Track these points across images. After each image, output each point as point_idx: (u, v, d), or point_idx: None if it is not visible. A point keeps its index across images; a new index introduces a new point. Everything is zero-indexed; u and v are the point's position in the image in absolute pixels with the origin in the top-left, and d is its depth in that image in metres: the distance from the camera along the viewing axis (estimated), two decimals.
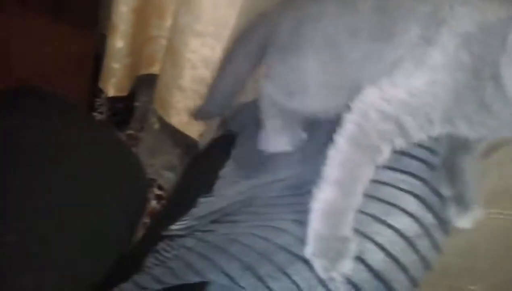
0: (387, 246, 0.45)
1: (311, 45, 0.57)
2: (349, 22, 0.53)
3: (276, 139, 0.66)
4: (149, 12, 1.10)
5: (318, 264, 0.44)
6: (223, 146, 0.83)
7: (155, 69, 1.23)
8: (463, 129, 0.48)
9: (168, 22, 1.13)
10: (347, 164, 0.47)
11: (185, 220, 0.65)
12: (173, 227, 0.65)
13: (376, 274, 0.44)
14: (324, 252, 0.44)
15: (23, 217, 0.59)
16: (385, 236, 0.45)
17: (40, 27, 1.16)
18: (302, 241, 0.46)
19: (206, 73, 1.09)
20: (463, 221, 0.52)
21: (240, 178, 0.68)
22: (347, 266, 0.44)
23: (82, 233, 0.74)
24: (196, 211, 0.66)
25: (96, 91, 1.32)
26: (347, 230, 0.46)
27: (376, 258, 0.44)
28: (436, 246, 0.47)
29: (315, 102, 0.60)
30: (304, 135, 0.65)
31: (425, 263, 0.47)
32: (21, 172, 0.64)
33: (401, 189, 0.48)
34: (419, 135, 0.48)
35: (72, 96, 1.26)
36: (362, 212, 0.47)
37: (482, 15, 0.45)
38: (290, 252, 0.46)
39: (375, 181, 0.49)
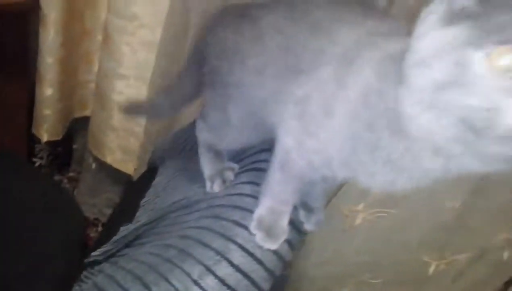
0: (245, 244, 0.54)
1: (229, 84, 0.60)
2: (256, 61, 0.56)
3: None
4: (76, 59, 1.17)
5: (258, 236, 0.54)
6: (148, 178, 0.91)
7: (88, 112, 1.29)
8: (364, 181, 0.49)
9: (96, 66, 1.20)
10: (281, 184, 0.56)
11: (103, 247, 0.71)
12: (93, 253, 0.71)
13: (237, 268, 0.52)
14: (263, 229, 0.55)
15: None
16: (243, 237, 0.55)
17: None
18: (183, 252, 0.55)
19: None
20: (308, 224, 0.61)
21: (156, 205, 0.75)
22: (276, 246, 0.55)
23: (21, 266, 0.81)
24: (114, 238, 0.72)
25: (35, 137, 1.36)
26: (283, 222, 0.56)
27: (236, 255, 0.53)
28: (289, 242, 0.57)
29: (240, 139, 0.64)
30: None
31: (279, 256, 0.56)
32: None
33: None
34: (328, 173, 0.52)
35: (10, 144, 1.29)
36: (227, 219, 0.56)
37: (382, 55, 0.45)
38: (172, 262, 0.54)
39: (240, 194, 0.59)
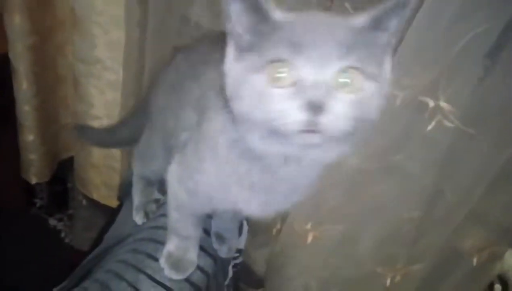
0: (154, 275, 0.59)
1: (152, 115, 0.69)
2: (161, 99, 0.64)
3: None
4: (55, 104, 1.24)
5: (166, 270, 0.60)
6: (118, 212, 0.95)
7: (74, 153, 1.36)
8: (244, 209, 0.52)
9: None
10: (180, 222, 0.60)
11: (64, 282, 0.76)
12: (54, 289, 0.76)
13: None
14: (171, 263, 0.60)
15: None
16: (153, 268, 0.59)
17: None
18: (103, 285, 0.60)
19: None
20: (221, 252, 0.67)
21: (108, 240, 0.79)
22: (184, 276, 0.60)
23: None
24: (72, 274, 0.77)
25: None
26: (190, 255, 0.61)
27: (146, 285, 0.58)
28: (201, 269, 0.62)
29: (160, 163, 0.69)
30: None
31: (190, 283, 0.61)
32: None
33: None
34: (213, 207, 0.58)
35: (8, 188, 1.37)
36: (142, 252, 0.61)
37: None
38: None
39: (156, 227, 0.63)
